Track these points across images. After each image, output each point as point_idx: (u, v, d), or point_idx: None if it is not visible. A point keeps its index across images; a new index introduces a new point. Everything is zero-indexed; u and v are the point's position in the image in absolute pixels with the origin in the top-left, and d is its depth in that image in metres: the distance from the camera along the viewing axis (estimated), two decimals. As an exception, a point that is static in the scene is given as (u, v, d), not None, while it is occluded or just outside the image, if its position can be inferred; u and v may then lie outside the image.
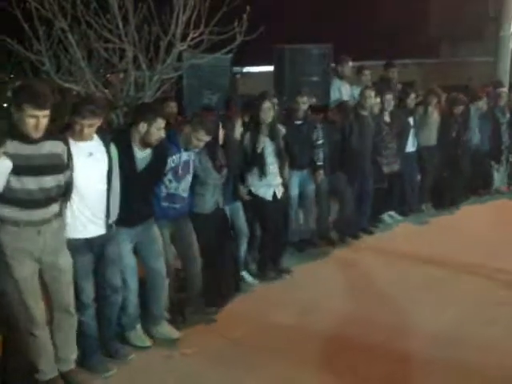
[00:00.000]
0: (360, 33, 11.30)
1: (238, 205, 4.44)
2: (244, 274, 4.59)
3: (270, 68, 6.61)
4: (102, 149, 3.17)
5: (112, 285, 3.31)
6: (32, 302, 2.88)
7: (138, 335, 3.60)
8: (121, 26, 4.75)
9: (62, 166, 2.94)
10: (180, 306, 3.93)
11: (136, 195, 3.39)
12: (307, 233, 5.48)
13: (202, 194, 3.99)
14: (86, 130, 3.03)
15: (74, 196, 3.06)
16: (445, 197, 6.78)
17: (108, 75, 5.37)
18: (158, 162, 3.51)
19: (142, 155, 3.40)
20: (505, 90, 7.45)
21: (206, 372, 3.31)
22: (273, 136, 4.59)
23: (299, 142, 5.07)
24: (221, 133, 4.08)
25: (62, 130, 3.05)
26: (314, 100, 5.40)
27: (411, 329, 3.81)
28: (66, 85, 4.69)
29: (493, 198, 7.14)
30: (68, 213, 3.06)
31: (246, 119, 4.56)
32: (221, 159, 4.07)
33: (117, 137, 3.34)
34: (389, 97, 5.89)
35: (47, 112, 2.76)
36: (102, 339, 3.36)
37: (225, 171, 4.09)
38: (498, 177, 7.50)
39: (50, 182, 2.87)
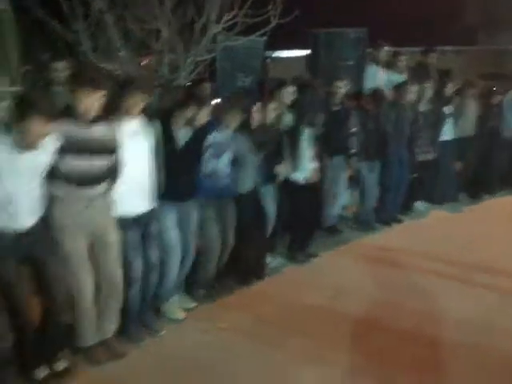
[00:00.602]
0: (396, 18, 11.08)
1: (269, 188, 4.45)
2: (273, 256, 4.62)
3: (301, 52, 6.57)
4: (146, 128, 3.26)
5: (152, 261, 3.39)
6: (80, 273, 2.97)
7: (172, 308, 3.70)
8: (157, 7, 4.80)
9: (112, 146, 3.04)
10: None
11: (178, 172, 3.46)
12: (337, 218, 5.49)
13: (239, 174, 4.02)
14: (133, 109, 3.11)
15: (121, 174, 3.14)
16: (481, 187, 6.68)
17: (143, 57, 5.44)
18: (197, 140, 3.58)
19: (183, 134, 3.48)
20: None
21: (238, 347, 3.36)
22: (311, 121, 4.57)
23: (335, 128, 5.04)
24: (255, 115, 4.10)
25: (110, 110, 3.11)
26: (349, 86, 5.35)
27: (440, 315, 3.79)
28: (102, 65, 4.76)
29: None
30: (116, 191, 3.14)
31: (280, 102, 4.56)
32: (256, 141, 4.08)
33: (160, 116, 3.42)
34: (427, 85, 5.79)
35: (101, 94, 2.84)
36: (139, 311, 3.45)
37: (260, 153, 4.11)
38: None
39: (99, 161, 2.97)
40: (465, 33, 12.22)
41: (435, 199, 6.29)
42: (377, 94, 5.54)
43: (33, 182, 2.74)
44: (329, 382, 3.05)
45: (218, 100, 3.78)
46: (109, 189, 3.11)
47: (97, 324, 3.17)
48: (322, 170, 4.88)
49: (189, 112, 3.42)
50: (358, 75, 6.01)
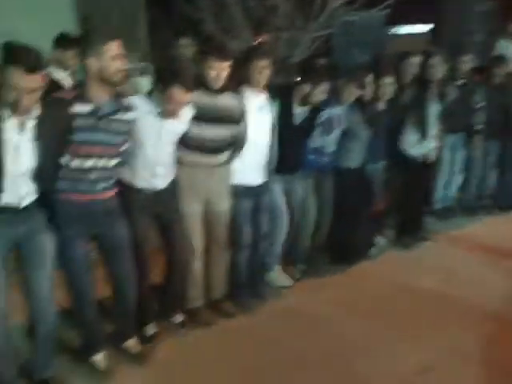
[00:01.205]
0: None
1: (378, 166, 4.35)
2: (380, 237, 4.56)
3: (423, 28, 6.29)
4: (269, 104, 3.35)
5: (261, 232, 3.51)
6: (194, 234, 3.16)
7: (278, 275, 3.83)
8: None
9: (238, 117, 3.15)
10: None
11: (291, 147, 3.53)
12: (451, 200, 5.25)
13: (349, 149, 4.01)
14: (260, 82, 3.19)
15: (244, 146, 3.26)
16: None
17: (259, 35, 5.55)
18: (312, 117, 3.63)
19: (300, 111, 3.54)
20: None
21: (341, 319, 3.40)
22: (441, 96, 4.40)
23: (458, 104, 4.76)
24: (369, 90, 4.02)
25: (238, 82, 3.20)
26: (475, 61, 5.04)
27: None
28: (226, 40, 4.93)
29: None
30: (236, 161, 3.28)
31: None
32: (371, 116, 4.02)
33: (280, 92, 3.47)
34: None
35: (228, 64, 2.95)
36: (248, 278, 3.59)
37: (372, 128, 4.05)
38: None
39: (224, 131, 3.10)
40: None
41: None
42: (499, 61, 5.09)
43: (170, 147, 2.94)
44: (434, 364, 2.98)
45: (334, 76, 3.75)
46: (230, 159, 3.25)
47: (206, 285, 3.37)
48: (439, 148, 4.67)
49: (305, 88, 3.46)
50: (486, 50, 5.64)
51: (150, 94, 2.87)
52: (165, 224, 3.05)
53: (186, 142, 3.01)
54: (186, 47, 4.57)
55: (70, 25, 5.34)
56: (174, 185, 3.05)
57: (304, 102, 3.50)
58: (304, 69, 3.71)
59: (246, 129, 3.23)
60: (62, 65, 3.90)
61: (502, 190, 5.33)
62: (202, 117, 2.99)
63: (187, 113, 2.91)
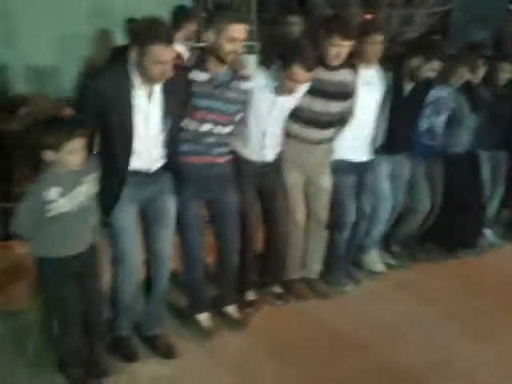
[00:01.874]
0: None
1: (489, 154, 4.13)
2: (491, 230, 4.34)
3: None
4: (379, 78, 3.31)
5: (363, 210, 3.51)
6: (296, 208, 3.22)
7: (372, 259, 3.79)
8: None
9: (349, 93, 3.16)
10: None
11: (399, 124, 3.45)
12: None
13: (456, 134, 3.85)
14: (373, 57, 3.18)
15: (350, 121, 3.26)
16: None
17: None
18: (419, 93, 3.52)
19: (409, 86, 3.45)
20: None
21: (422, 309, 3.36)
22: None
23: None
24: (481, 71, 3.81)
25: (351, 56, 3.16)
26: None
27: None
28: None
29: None
30: (340, 136, 3.28)
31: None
32: (478, 100, 3.83)
33: (392, 67, 3.40)
34: None
35: (351, 43, 2.96)
36: (344, 258, 3.61)
37: (481, 114, 3.85)
38: None
39: (335, 107, 3.12)
40: None
41: None
42: None
43: (281, 120, 3.02)
44: None
45: (446, 56, 3.57)
46: (336, 134, 3.26)
47: (302, 260, 3.43)
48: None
49: (414, 62, 3.33)
50: None
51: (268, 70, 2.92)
52: (268, 196, 3.15)
53: (297, 116, 3.06)
54: (295, 25, 4.59)
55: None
56: (279, 157, 3.13)
57: (412, 76, 3.39)
58: (417, 43, 3.58)
59: (354, 105, 3.22)
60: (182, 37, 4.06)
61: None
62: (317, 91, 3.02)
63: (303, 88, 2.94)
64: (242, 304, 3.21)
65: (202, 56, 2.67)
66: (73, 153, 2.25)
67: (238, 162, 2.99)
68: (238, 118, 2.85)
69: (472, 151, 4.00)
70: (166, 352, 2.80)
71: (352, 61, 3.15)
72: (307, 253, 3.42)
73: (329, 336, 3.05)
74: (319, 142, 3.20)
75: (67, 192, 2.31)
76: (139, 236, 2.68)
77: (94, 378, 2.58)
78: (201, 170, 2.78)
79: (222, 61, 2.62)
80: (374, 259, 3.80)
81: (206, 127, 2.70)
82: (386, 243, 3.91)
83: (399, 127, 3.46)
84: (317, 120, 3.11)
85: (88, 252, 2.46)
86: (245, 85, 2.78)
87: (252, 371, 2.75)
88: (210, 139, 2.75)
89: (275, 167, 3.12)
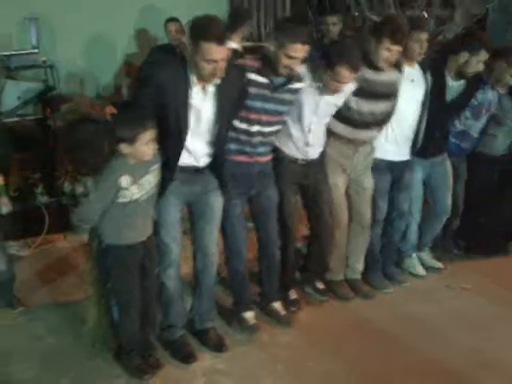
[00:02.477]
0: None
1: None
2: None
3: None
4: (421, 76, 3.29)
5: (400, 209, 3.51)
6: (340, 207, 3.23)
7: (413, 263, 3.79)
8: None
9: (394, 93, 3.16)
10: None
11: (438, 125, 3.45)
12: None
13: (494, 135, 3.81)
14: (417, 48, 3.16)
15: (391, 120, 3.26)
16: None
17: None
18: (468, 95, 3.48)
19: (453, 85, 3.40)
20: None
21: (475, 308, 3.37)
22: None
23: None
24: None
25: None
26: None
27: None
28: (373, 18, 4.90)
29: None
30: (381, 135, 3.28)
31: None
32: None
33: (432, 64, 3.37)
34: None
35: (399, 49, 2.95)
36: (383, 262, 3.64)
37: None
38: None
39: (380, 107, 3.13)
40: None
41: None
42: None
43: (326, 119, 3.05)
44: None
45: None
46: (378, 133, 3.26)
47: (345, 261, 3.45)
48: None
49: (461, 58, 3.27)
50: None
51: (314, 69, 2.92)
52: (312, 195, 3.17)
53: (343, 116, 3.08)
54: (334, 25, 4.62)
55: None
56: (322, 157, 3.16)
57: (459, 73, 3.34)
58: (460, 37, 3.55)
59: (396, 104, 3.21)
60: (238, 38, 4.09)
61: None
62: (365, 93, 3.04)
63: (348, 88, 2.96)
64: (285, 302, 3.24)
65: (264, 59, 2.70)
66: (147, 144, 2.33)
67: (281, 160, 3.03)
68: (285, 117, 2.90)
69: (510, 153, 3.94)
70: (218, 345, 2.87)
71: (400, 61, 3.14)
72: (350, 253, 3.44)
73: (373, 333, 3.08)
74: (363, 143, 3.22)
75: (137, 180, 2.39)
76: (180, 230, 2.72)
77: (149, 368, 2.66)
78: (246, 168, 2.84)
79: (276, 70, 2.67)
80: (415, 263, 3.80)
81: (255, 128, 2.76)
82: (423, 246, 3.88)
83: (438, 129, 3.46)
84: (363, 120, 3.12)
85: (149, 241, 2.55)
86: (296, 85, 2.82)
87: (301, 365, 2.81)
88: (258, 139, 2.80)
89: (319, 167, 3.14)
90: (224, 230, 2.90)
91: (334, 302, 3.38)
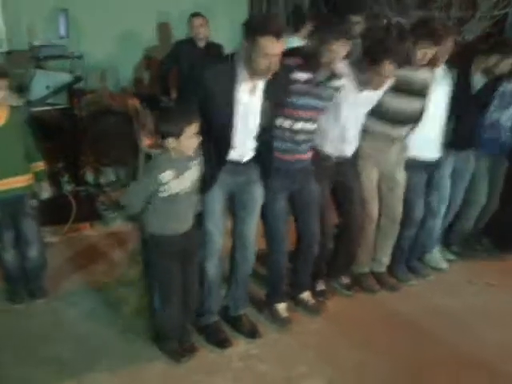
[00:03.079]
0: None
1: None
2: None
3: None
4: (447, 76, 3.37)
5: (432, 208, 3.58)
6: (371, 202, 3.31)
7: (434, 257, 3.87)
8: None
9: (427, 90, 3.23)
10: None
11: (466, 120, 3.50)
12: None
13: None
14: (444, 55, 3.23)
15: (422, 119, 3.30)
16: None
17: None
18: (491, 88, 3.53)
19: (478, 80, 3.47)
20: None
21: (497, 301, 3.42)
22: None
23: None
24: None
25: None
26: None
27: None
28: (394, 18, 4.96)
29: None
30: (414, 134, 3.33)
31: None
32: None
33: (458, 63, 3.43)
34: None
35: (436, 49, 3.06)
36: (409, 255, 3.70)
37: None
38: None
39: (416, 104, 3.20)
40: None
41: None
42: None
43: (363, 115, 3.11)
44: None
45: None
46: (410, 131, 3.32)
47: (373, 254, 3.52)
48: None
49: (492, 60, 3.37)
50: None
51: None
52: (344, 190, 3.23)
53: (379, 112, 3.13)
54: (357, 24, 4.67)
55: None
56: (356, 153, 3.21)
57: (487, 73, 3.41)
58: (492, 42, 3.61)
59: (427, 102, 3.27)
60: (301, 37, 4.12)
61: None
62: (403, 89, 3.10)
63: (387, 84, 3.01)
64: (313, 293, 3.30)
65: (307, 56, 2.74)
66: (191, 138, 2.38)
67: (317, 156, 3.07)
68: (324, 113, 2.95)
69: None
70: (251, 331, 2.94)
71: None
72: (378, 247, 3.50)
73: (402, 325, 3.14)
74: (396, 139, 3.28)
75: (179, 175, 2.44)
76: (224, 220, 2.79)
77: (186, 351, 2.72)
78: (289, 165, 2.90)
79: (318, 67, 2.73)
80: (438, 257, 3.87)
81: (299, 125, 2.81)
82: (446, 241, 3.97)
83: (467, 123, 3.51)
84: (398, 117, 3.18)
85: (191, 232, 2.60)
86: (338, 82, 2.87)
87: (332, 353, 2.87)
88: (300, 136, 2.85)
89: (352, 162, 3.20)
90: (267, 222, 2.96)
91: (360, 295, 3.44)
